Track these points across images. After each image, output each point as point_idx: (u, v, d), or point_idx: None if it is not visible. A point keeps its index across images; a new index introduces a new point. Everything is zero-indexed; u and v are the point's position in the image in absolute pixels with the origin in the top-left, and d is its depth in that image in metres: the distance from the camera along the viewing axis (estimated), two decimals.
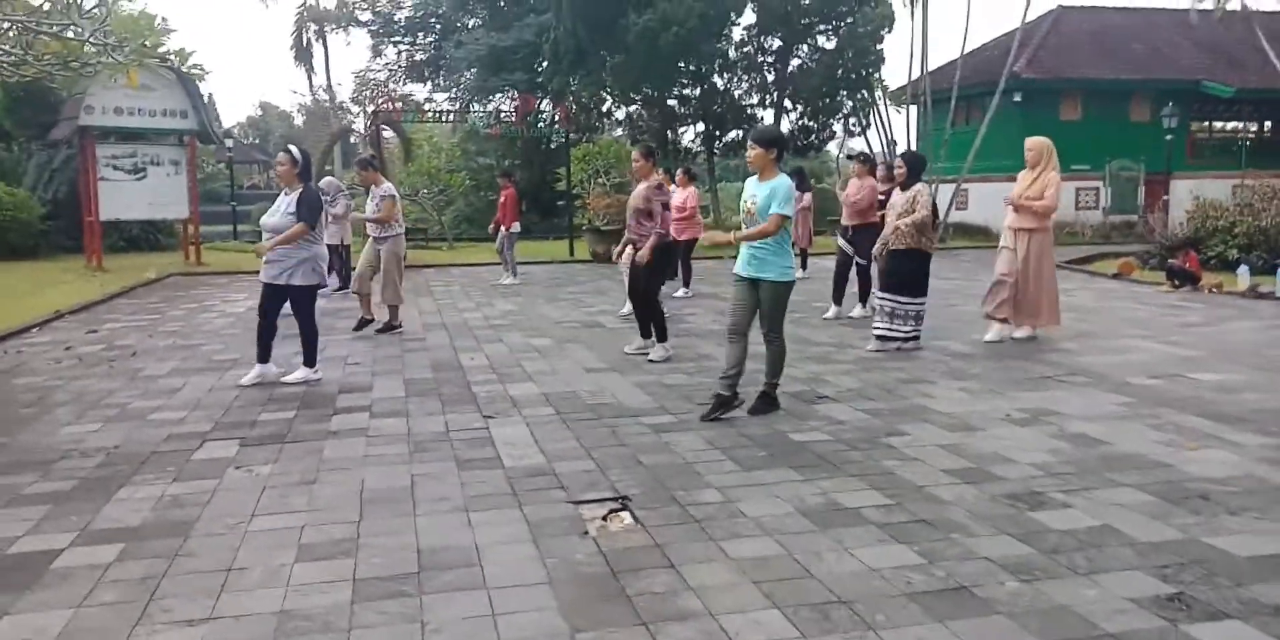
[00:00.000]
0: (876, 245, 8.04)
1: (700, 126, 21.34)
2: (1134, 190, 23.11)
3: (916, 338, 7.69)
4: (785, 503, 4.05)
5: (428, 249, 20.72)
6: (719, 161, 22.55)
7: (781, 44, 20.85)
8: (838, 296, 9.81)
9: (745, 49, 20.89)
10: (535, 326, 9.53)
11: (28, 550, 3.67)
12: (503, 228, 13.28)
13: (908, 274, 7.55)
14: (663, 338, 7.45)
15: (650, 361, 7.31)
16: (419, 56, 37.40)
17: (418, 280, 14.88)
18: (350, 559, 3.53)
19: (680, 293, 11.65)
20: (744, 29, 21.01)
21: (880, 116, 22.31)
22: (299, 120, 75.79)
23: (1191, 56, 24.30)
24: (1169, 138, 20.61)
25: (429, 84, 37.65)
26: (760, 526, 3.77)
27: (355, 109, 39.27)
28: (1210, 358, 7.34)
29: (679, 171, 12.06)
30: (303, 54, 41.12)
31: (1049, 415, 5.55)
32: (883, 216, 11.26)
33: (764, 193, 5.34)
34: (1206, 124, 25.75)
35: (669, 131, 20.83)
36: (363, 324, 9.13)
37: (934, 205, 7.56)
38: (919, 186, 7.53)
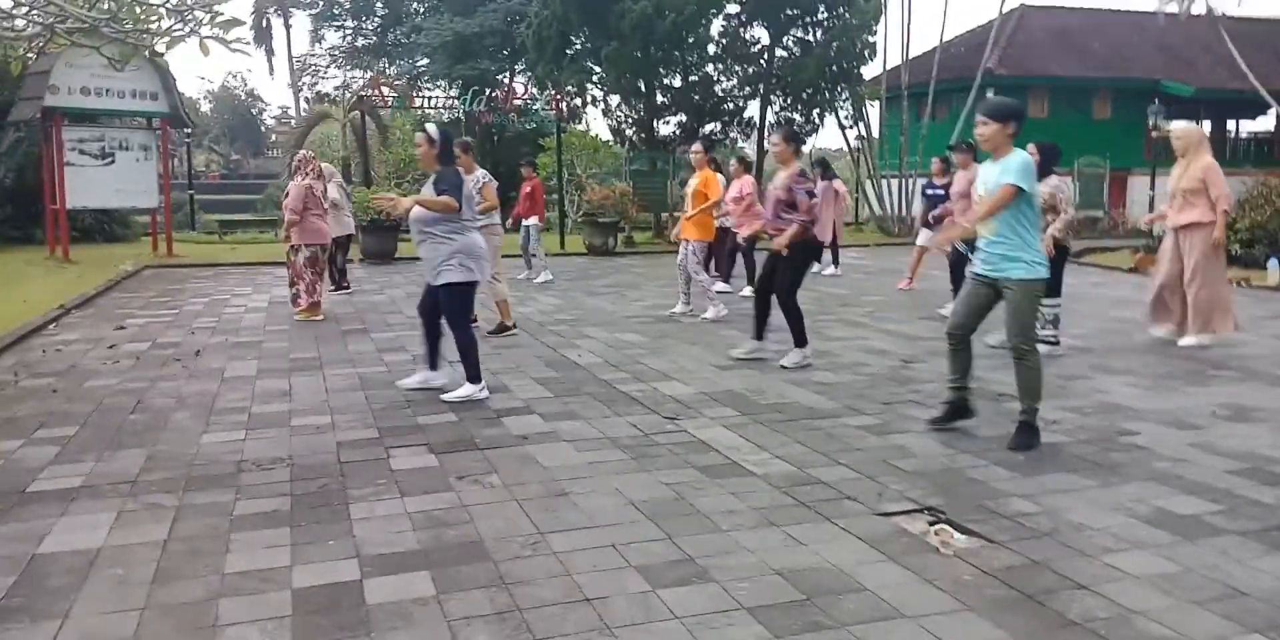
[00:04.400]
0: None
1: (681, 117, 20.98)
2: (1100, 186, 23.67)
3: (1055, 344, 7.19)
4: (1114, 511, 3.79)
5: (404, 240, 19.91)
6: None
7: (768, 34, 20.64)
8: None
9: (725, 40, 20.61)
10: (605, 321, 9.09)
11: (319, 583, 3.16)
12: (524, 220, 12.65)
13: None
14: (801, 342, 6.83)
15: (783, 367, 6.72)
16: (360, 42, 36.24)
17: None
18: (711, 584, 3.13)
19: (747, 291, 11.10)
20: (725, 18, 20.74)
21: (864, 110, 22.37)
22: (205, 107, 72.92)
23: (1148, 56, 25.03)
24: (1154, 134, 21.13)
25: (369, 70, 36.51)
26: (1121, 539, 3.50)
27: (292, 95, 37.53)
28: None
29: (733, 160, 11.63)
30: (262, 35, 39.27)
31: (1253, 411, 5.43)
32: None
33: (994, 174, 4.70)
34: (1154, 124, 26.57)
35: (654, 121, 20.43)
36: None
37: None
38: (1055, 180, 7.18)
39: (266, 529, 3.66)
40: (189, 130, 20.79)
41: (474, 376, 5.79)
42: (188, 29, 7.39)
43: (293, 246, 9.33)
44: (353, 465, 4.48)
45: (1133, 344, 7.72)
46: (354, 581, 3.18)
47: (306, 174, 9.24)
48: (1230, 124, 28.19)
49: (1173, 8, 23.02)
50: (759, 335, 7.09)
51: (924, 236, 11.01)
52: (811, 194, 6.73)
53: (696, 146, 9.69)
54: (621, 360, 7.09)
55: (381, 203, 5.93)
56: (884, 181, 23.05)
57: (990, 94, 22.93)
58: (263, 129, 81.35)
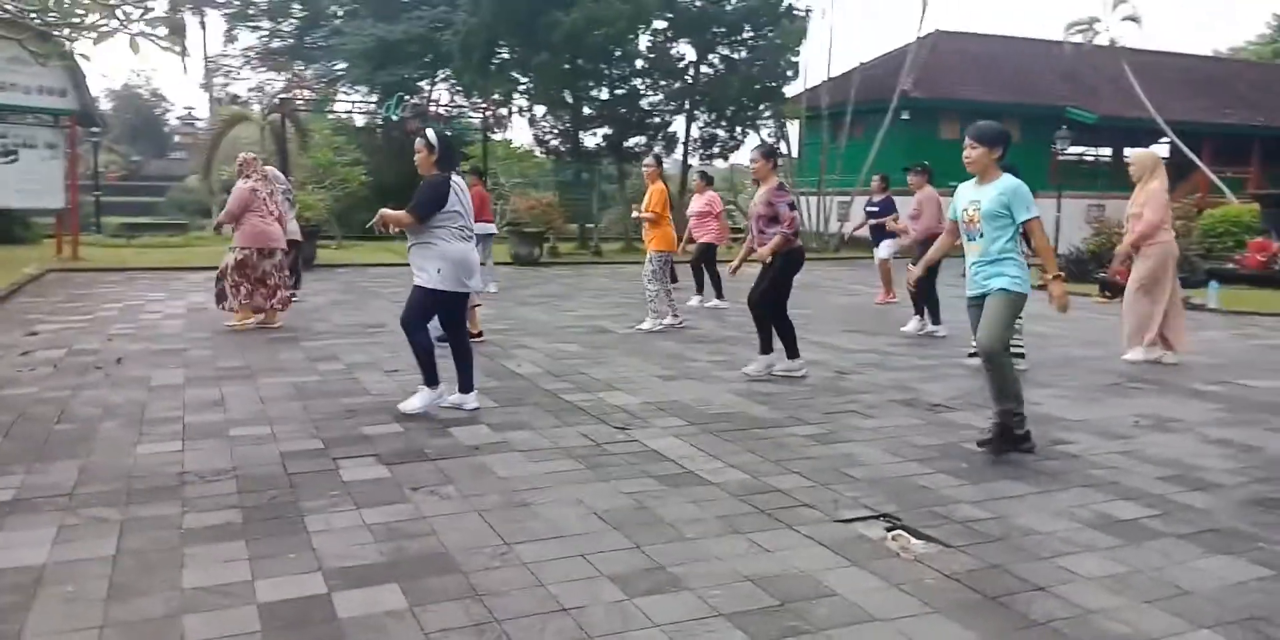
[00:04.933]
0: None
1: (606, 130, 21.04)
2: None
3: (1021, 355, 7.21)
4: (1058, 517, 3.94)
5: (322, 247, 19.48)
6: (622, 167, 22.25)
7: (694, 51, 20.88)
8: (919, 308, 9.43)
9: (653, 55, 20.75)
10: (541, 332, 9.06)
11: (285, 597, 3.08)
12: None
13: None
14: (794, 353, 6.94)
15: (771, 374, 6.88)
16: (275, 44, 35.36)
17: (345, 281, 13.96)
18: (687, 591, 3.15)
19: (694, 301, 11.19)
20: (652, 34, 20.89)
21: (786, 128, 22.80)
22: (106, 106, 70.33)
23: (1054, 84, 26.15)
24: (1059, 158, 22.05)
25: (284, 72, 35.67)
26: (1070, 542, 3.64)
27: (204, 95, 36.45)
28: (1232, 365, 7.78)
29: (695, 176, 11.80)
30: (178, 33, 37.67)
31: (1172, 422, 5.71)
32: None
33: (990, 196, 4.83)
34: (1062, 148, 27.73)
35: (580, 133, 20.44)
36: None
37: None
38: None
39: (221, 542, 3.55)
40: (97, 129, 19.99)
41: (430, 382, 5.69)
42: (116, 24, 7.14)
43: (230, 247, 9.07)
44: (302, 476, 4.37)
45: (1053, 358, 8.03)
46: (321, 595, 3.10)
47: (249, 176, 9.04)
48: (1128, 151, 29.60)
49: (1078, 38, 24.19)
50: (766, 349, 6.98)
51: (883, 250, 11.33)
52: (793, 206, 6.87)
53: (649, 160, 9.80)
54: (563, 370, 7.08)
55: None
56: (802, 199, 23.51)
57: (905, 116, 23.69)
58: (166, 130, 78.54)
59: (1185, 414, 5.92)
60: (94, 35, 7.21)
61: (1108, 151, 28.99)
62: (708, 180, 11.55)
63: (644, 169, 9.78)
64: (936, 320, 9.19)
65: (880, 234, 11.18)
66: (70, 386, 6.26)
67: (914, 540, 3.68)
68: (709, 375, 6.97)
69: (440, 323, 5.74)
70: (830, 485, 4.34)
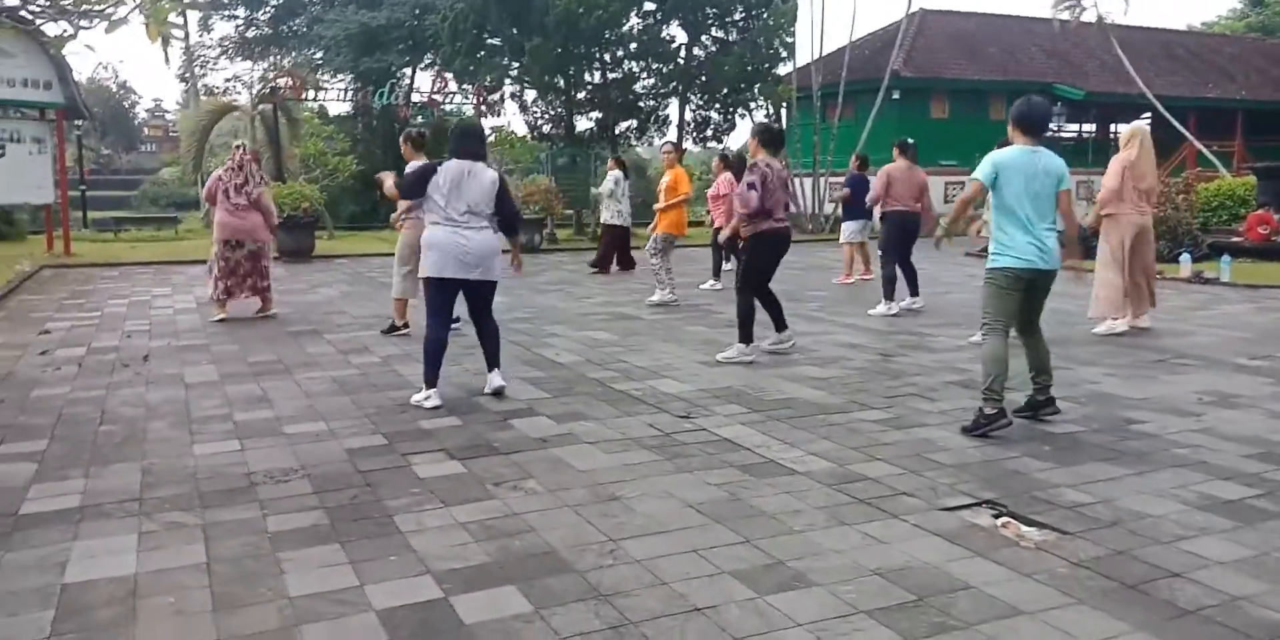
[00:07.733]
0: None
1: (599, 114, 20.80)
2: None
3: None
4: (1163, 499, 3.86)
5: (318, 238, 19.20)
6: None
7: (685, 33, 20.67)
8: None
9: (645, 38, 20.49)
10: (566, 319, 8.90)
11: (402, 603, 2.95)
12: None
13: None
14: (781, 326, 7.22)
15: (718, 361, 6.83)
16: (252, 33, 34.74)
17: (350, 272, 13.74)
18: (817, 587, 3.04)
19: (707, 285, 11.22)
20: (642, 16, 20.63)
21: (781, 110, 22.61)
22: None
23: (1040, 61, 26.13)
24: (1050, 136, 21.99)
25: (260, 63, 35.08)
26: (1186, 525, 3.57)
27: (183, 86, 35.76)
28: (1264, 339, 7.76)
29: (715, 159, 11.72)
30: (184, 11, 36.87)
31: (1234, 398, 5.65)
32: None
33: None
34: (1056, 125, 27.76)
35: (573, 118, 20.22)
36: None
37: None
38: None
39: (314, 546, 3.40)
40: (81, 123, 19.55)
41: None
42: (125, 11, 6.88)
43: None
44: (375, 474, 4.23)
45: (1082, 335, 7.95)
46: (439, 599, 2.97)
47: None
48: (1113, 126, 29.69)
49: (1065, 15, 24.16)
50: (779, 326, 7.26)
51: (846, 232, 11.51)
52: (753, 186, 6.91)
53: (668, 146, 9.77)
54: (603, 359, 6.95)
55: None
56: (795, 180, 23.39)
57: (895, 95, 23.57)
58: (136, 123, 77.21)
59: (1242, 390, 5.87)
60: (105, 23, 6.96)
61: (1091, 127, 29.07)
62: (727, 163, 11.43)
63: (662, 156, 9.75)
64: (914, 293, 9.50)
65: (847, 214, 11.44)
66: (102, 386, 6.07)
67: (1025, 527, 3.59)
68: (751, 361, 6.85)
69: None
70: (920, 472, 4.24)
